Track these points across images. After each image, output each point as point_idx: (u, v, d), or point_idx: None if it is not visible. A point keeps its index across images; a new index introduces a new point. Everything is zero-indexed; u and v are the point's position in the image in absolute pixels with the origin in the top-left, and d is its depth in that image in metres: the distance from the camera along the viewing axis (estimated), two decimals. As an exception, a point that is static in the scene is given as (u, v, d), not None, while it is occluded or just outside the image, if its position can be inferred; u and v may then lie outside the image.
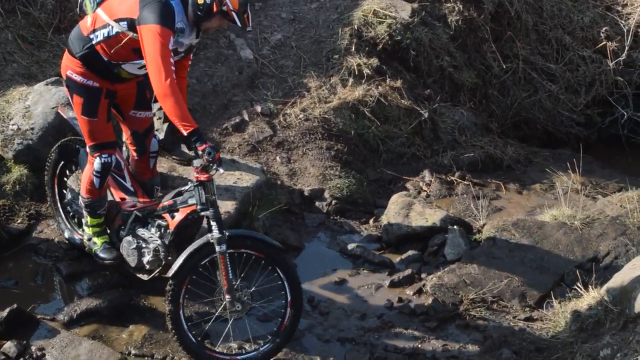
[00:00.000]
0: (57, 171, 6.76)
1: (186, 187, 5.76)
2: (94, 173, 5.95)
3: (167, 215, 5.90)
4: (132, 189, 6.30)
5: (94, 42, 5.68)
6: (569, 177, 8.91)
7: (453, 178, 9.17)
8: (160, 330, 6.16)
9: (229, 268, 5.60)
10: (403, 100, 9.73)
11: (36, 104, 7.50)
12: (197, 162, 5.49)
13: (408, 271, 7.22)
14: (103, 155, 5.94)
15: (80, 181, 6.13)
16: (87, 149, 5.98)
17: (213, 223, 5.54)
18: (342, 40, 10.02)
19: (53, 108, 7.33)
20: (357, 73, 9.69)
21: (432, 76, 10.40)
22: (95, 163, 5.93)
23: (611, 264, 7.09)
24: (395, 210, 7.94)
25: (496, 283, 6.87)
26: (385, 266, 7.37)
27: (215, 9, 5.53)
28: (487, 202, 8.47)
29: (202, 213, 5.61)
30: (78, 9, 6.02)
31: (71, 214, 6.79)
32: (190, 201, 5.68)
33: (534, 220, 7.88)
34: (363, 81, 9.64)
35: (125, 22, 5.53)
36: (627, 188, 8.81)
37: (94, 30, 5.68)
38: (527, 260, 7.20)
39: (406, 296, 6.92)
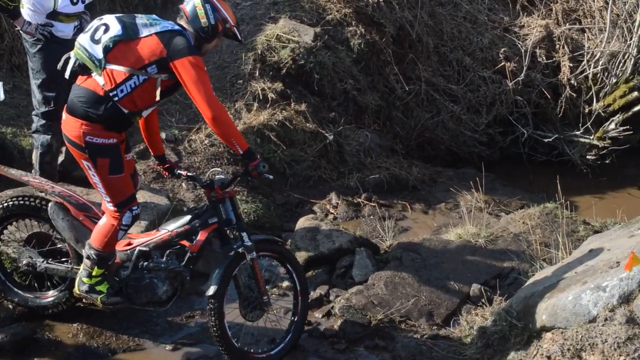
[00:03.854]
0: None
1: (201, 210, 6.03)
2: (122, 227, 5.76)
3: (184, 241, 6.01)
4: None
5: (117, 99, 5.47)
6: (472, 195, 9.06)
7: (359, 200, 9.24)
8: (66, 363, 6.06)
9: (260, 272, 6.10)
10: (308, 124, 9.77)
11: None
12: (218, 182, 5.91)
13: (316, 294, 7.23)
14: (133, 209, 5.79)
15: (94, 234, 5.84)
16: (110, 207, 5.73)
17: (243, 234, 5.92)
18: (245, 65, 10.04)
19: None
20: (261, 97, 9.70)
21: (336, 99, 10.48)
22: (124, 218, 5.73)
23: (515, 280, 7.22)
24: (302, 234, 7.95)
25: (403, 303, 6.92)
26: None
27: (220, 28, 5.63)
28: (393, 222, 8.55)
29: (226, 228, 5.96)
30: (68, 73, 5.62)
31: (24, 276, 6.54)
32: (211, 221, 5.96)
33: (439, 240, 8.00)
34: (268, 105, 9.66)
35: (155, 65, 5.44)
36: (529, 205, 9.03)
37: (116, 86, 5.45)
38: (434, 279, 7.28)
39: (315, 319, 6.92)
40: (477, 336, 6.19)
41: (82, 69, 5.58)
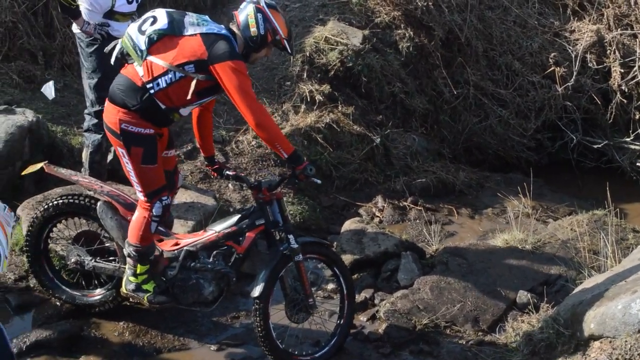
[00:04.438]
0: (45, 234, 6.46)
1: (248, 211, 6.07)
2: (154, 218, 5.81)
3: (231, 242, 6.04)
4: (162, 228, 6.21)
5: (152, 92, 5.53)
6: (520, 201, 8.97)
7: (406, 203, 9.20)
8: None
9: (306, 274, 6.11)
10: (355, 126, 9.76)
11: (-16, 132, 7.40)
12: (265, 183, 5.95)
13: (361, 297, 7.21)
14: (163, 199, 5.83)
15: (129, 231, 5.90)
16: (141, 197, 5.80)
17: (290, 236, 5.93)
18: (294, 67, 10.05)
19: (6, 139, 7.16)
20: (309, 99, 9.71)
21: (384, 102, 10.45)
22: (155, 208, 5.79)
23: (562, 288, 7.14)
24: (348, 236, 7.94)
25: (449, 308, 6.88)
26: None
27: (269, 39, 5.63)
28: (439, 227, 8.50)
29: (273, 230, 5.98)
30: (113, 59, 5.75)
31: (72, 274, 6.62)
32: (258, 222, 5.98)
33: (486, 245, 7.93)
34: (315, 107, 9.66)
35: (193, 65, 5.46)
36: (577, 212, 8.93)
37: (153, 79, 5.52)
38: (480, 284, 7.23)
39: (360, 322, 6.89)
40: (523, 343, 6.13)
41: (125, 57, 5.67)
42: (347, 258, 7.63)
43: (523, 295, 7.04)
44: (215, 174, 6.46)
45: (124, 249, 5.98)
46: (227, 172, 6.32)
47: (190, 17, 5.60)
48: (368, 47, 10.36)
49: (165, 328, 6.54)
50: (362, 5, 11.07)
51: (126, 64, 5.71)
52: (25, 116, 7.68)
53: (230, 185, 8.50)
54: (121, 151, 5.69)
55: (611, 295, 5.45)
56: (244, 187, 8.50)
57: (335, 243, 7.97)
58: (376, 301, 7.20)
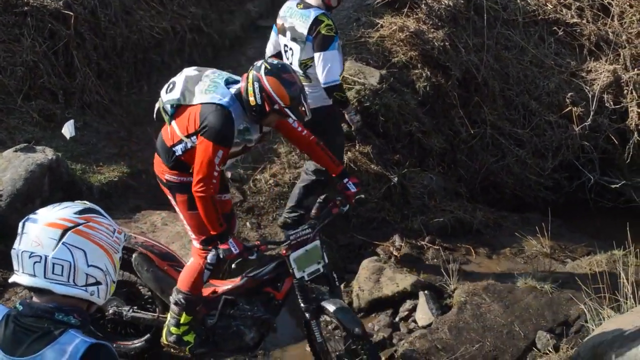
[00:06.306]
0: None
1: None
2: (207, 266, 5.86)
3: (269, 288, 6.01)
4: None
5: (177, 155, 5.68)
6: (538, 241, 8.94)
7: (423, 243, 9.16)
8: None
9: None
10: (372, 166, 9.76)
11: (4, 170, 7.44)
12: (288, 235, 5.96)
13: (379, 337, 7.18)
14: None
15: (181, 277, 5.89)
16: (196, 244, 5.84)
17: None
18: (311, 106, 10.07)
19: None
20: (326, 139, 9.71)
21: (401, 141, 10.44)
22: (209, 256, 5.79)
23: (582, 328, 7.10)
24: (365, 276, 7.92)
25: (468, 348, 6.84)
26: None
27: (267, 109, 5.50)
28: (457, 266, 8.45)
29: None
30: (155, 116, 5.96)
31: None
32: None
33: (504, 285, 7.90)
34: (332, 147, 9.66)
35: (196, 136, 5.53)
36: (596, 252, 8.88)
37: (174, 145, 5.68)
38: (498, 324, 7.19)
39: (378, 363, 6.86)
40: (543, 384, 6.10)
41: (160, 116, 5.81)
42: (364, 297, 7.63)
43: (542, 336, 7.01)
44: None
45: (170, 297, 5.93)
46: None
47: (203, 83, 5.61)
48: (385, 87, 10.37)
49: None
50: (380, 45, 11.11)
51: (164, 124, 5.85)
52: (45, 154, 7.73)
53: (247, 223, 8.50)
54: (171, 199, 5.85)
55: (632, 336, 5.42)
56: (262, 226, 8.52)
57: (353, 282, 7.96)
58: (394, 341, 7.18)
